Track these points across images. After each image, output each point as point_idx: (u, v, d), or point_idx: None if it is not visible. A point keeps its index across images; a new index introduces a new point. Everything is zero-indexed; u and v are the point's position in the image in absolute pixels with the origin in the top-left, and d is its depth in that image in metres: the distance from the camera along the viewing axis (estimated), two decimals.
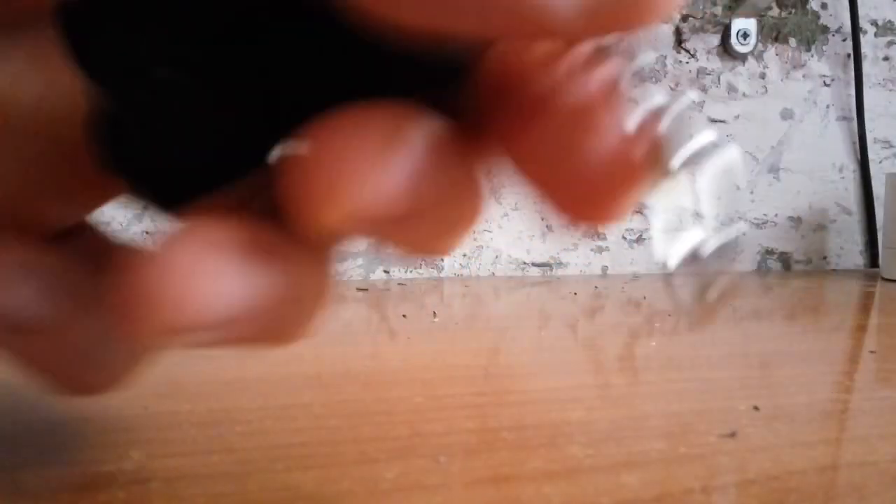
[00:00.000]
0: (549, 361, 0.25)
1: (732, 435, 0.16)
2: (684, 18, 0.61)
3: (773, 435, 0.17)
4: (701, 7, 0.61)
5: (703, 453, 0.16)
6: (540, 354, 0.27)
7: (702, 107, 0.62)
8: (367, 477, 0.14)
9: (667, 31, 0.61)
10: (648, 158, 0.11)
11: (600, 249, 0.57)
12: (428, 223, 0.11)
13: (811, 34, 0.64)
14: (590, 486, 0.13)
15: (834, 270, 0.64)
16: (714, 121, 0.62)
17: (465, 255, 0.55)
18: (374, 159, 0.10)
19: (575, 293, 0.44)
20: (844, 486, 0.14)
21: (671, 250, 0.10)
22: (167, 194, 0.12)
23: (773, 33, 0.63)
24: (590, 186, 0.11)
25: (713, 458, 0.15)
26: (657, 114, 0.11)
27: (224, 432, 0.16)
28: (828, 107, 0.65)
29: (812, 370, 0.25)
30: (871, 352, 0.28)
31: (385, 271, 0.53)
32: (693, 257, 0.10)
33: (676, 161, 0.10)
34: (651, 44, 0.60)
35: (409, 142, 0.10)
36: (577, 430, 0.17)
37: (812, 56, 0.64)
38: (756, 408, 0.19)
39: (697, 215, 0.10)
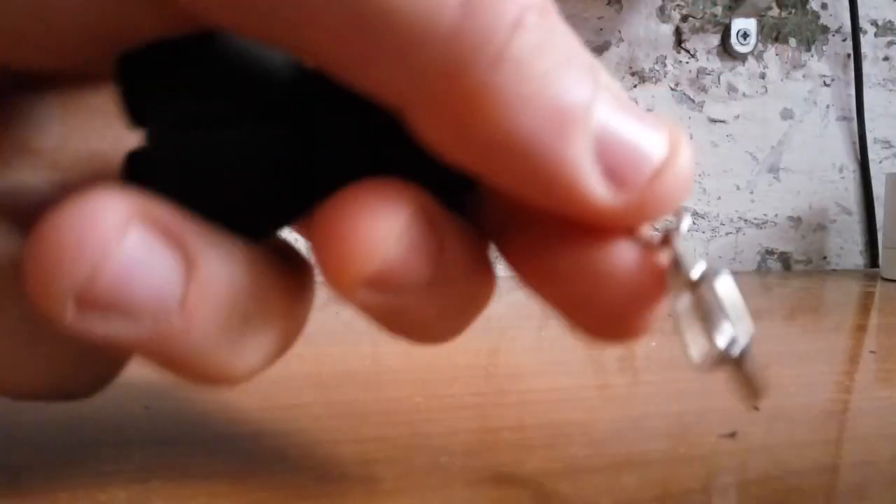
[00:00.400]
0: (549, 361, 0.25)
1: (732, 435, 0.16)
2: (684, 18, 0.61)
3: (773, 435, 0.17)
4: (701, 7, 0.61)
5: (703, 453, 0.16)
6: (540, 354, 0.27)
7: (702, 107, 0.62)
8: (367, 477, 0.14)
9: (667, 31, 0.61)
10: (665, 276, 0.11)
11: None
12: (436, 303, 0.12)
13: (811, 34, 0.64)
14: (590, 486, 0.13)
15: (834, 270, 0.64)
16: (714, 121, 0.62)
17: None
18: (388, 234, 0.11)
19: None
20: (844, 486, 0.14)
21: (702, 354, 0.11)
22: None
23: (773, 33, 0.63)
24: (607, 307, 0.12)
25: (713, 458, 0.15)
26: (668, 236, 0.12)
27: (224, 432, 0.16)
28: (828, 107, 0.65)
29: (812, 370, 0.25)
30: (872, 352, 0.28)
31: None
32: (724, 358, 0.11)
33: (695, 273, 0.11)
34: (651, 43, 0.60)
35: (425, 221, 0.11)
36: (577, 430, 0.17)
37: (812, 56, 0.64)
38: (756, 408, 0.19)
39: (720, 320, 0.11)
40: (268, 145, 0.12)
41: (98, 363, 0.13)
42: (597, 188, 0.10)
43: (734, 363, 0.10)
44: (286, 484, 0.13)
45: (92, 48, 0.11)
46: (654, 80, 0.61)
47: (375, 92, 0.11)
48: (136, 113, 0.12)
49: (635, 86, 0.60)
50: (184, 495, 0.13)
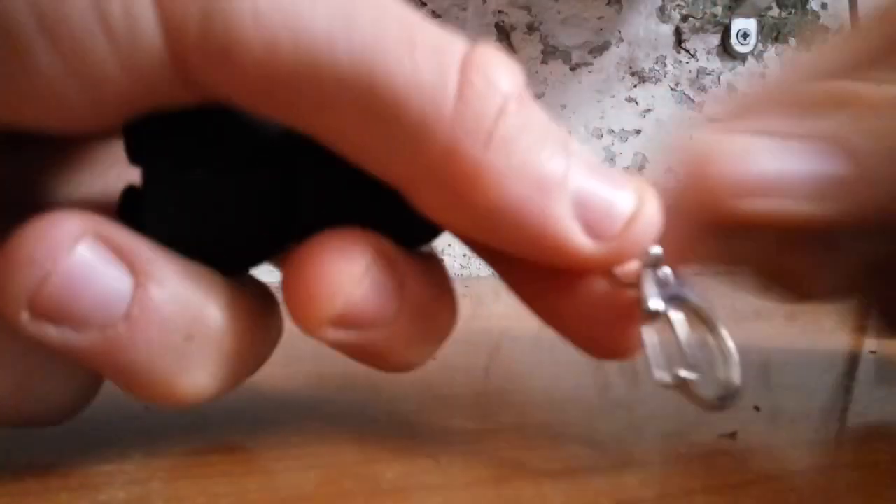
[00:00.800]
0: (549, 361, 0.25)
1: (732, 435, 0.16)
2: (684, 18, 0.61)
3: (773, 435, 0.17)
4: (701, 7, 0.61)
5: (703, 453, 0.16)
6: (540, 354, 0.27)
7: (702, 107, 0.62)
8: (367, 477, 0.14)
9: (667, 31, 0.61)
10: (635, 307, 0.14)
11: None
12: (401, 336, 0.13)
13: (811, 34, 0.64)
14: (590, 486, 0.13)
15: None
16: (714, 121, 0.62)
17: (465, 256, 0.55)
18: (349, 277, 0.12)
19: None
20: (844, 486, 0.14)
21: (658, 377, 0.13)
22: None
23: (773, 33, 0.63)
24: (591, 331, 0.14)
25: (713, 458, 0.15)
26: (637, 273, 0.14)
27: (224, 432, 0.16)
28: None
29: (812, 370, 0.25)
30: (872, 352, 0.28)
31: None
32: (673, 384, 0.13)
33: (652, 307, 0.13)
34: (651, 43, 0.60)
35: (385, 264, 0.13)
36: (577, 430, 0.17)
37: None
38: (756, 408, 0.19)
39: (674, 353, 0.13)
40: (252, 192, 0.13)
41: (64, 387, 0.13)
42: (579, 241, 0.13)
43: (680, 387, 0.13)
44: (286, 484, 0.13)
45: (115, 116, 0.12)
46: (654, 80, 0.61)
47: (379, 171, 0.12)
48: (136, 152, 0.13)
49: (635, 86, 0.60)
50: (184, 495, 0.13)
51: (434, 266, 0.14)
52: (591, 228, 0.13)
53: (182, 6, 0.11)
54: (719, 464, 0.15)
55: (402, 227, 0.13)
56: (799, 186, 0.14)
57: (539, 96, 0.57)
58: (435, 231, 0.14)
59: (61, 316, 0.11)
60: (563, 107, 0.58)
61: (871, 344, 0.29)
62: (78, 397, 0.14)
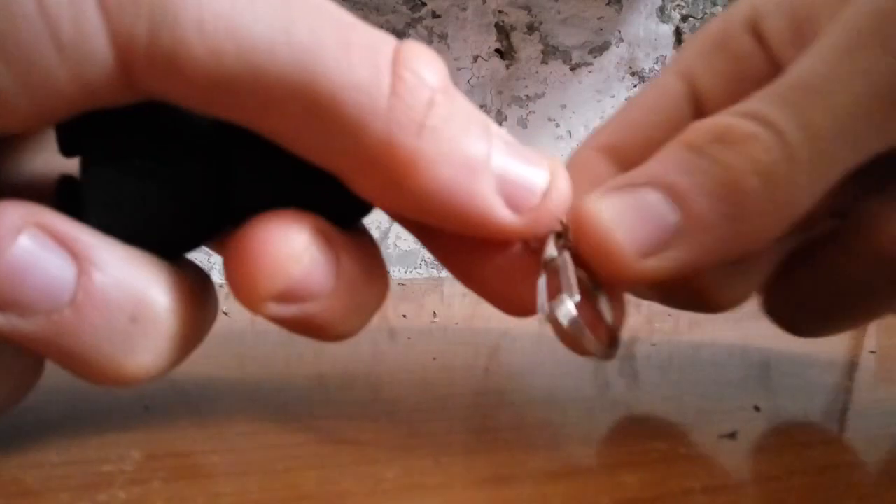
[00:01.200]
0: (549, 361, 0.25)
1: (732, 435, 0.16)
2: (684, 18, 0.61)
3: (773, 435, 0.17)
4: (701, 7, 0.61)
5: (703, 453, 0.16)
6: (540, 354, 0.27)
7: None
8: (367, 477, 0.14)
9: (667, 31, 0.61)
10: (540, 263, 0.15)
11: None
12: (338, 308, 0.14)
13: None
14: (590, 486, 0.13)
15: None
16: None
17: None
18: (290, 254, 0.13)
19: None
20: (844, 486, 0.14)
21: (541, 309, 0.15)
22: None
23: None
24: (507, 287, 0.16)
25: (713, 458, 0.15)
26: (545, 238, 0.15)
27: (224, 432, 0.16)
28: None
29: (812, 370, 0.25)
30: (871, 352, 0.28)
31: None
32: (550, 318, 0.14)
33: (548, 256, 0.15)
34: (651, 43, 0.60)
35: (322, 241, 0.14)
36: (577, 430, 0.17)
37: None
38: (756, 408, 0.19)
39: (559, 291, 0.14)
40: (187, 180, 0.14)
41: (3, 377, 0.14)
42: (502, 215, 0.14)
43: (556, 323, 0.14)
44: (286, 484, 0.13)
45: (57, 118, 0.13)
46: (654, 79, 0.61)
47: (320, 161, 0.13)
48: (71, 145, 0.13)
49: (635, 86, 0.60)
50: (184, 495, 0.13)
51: (365, 241, 0.15)
52: (512, 202, 0.14)
53: (130, 19, 0.11)
54: (719, 464, 0.15)
55: (335, 206, 0.14)
56: (656, 241, 0.15)
57: (539, 96, 0.57)
58: (366, 208, 0.15)
59: (7, 303, 0.12)
60: (563, 107, 0.58)
61: (870, 344, 0.29)
62: (16, 387, 0.14)
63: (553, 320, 0.14)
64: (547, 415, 0.18)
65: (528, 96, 0.56)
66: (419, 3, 0.52)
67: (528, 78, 0.56)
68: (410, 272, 0.54)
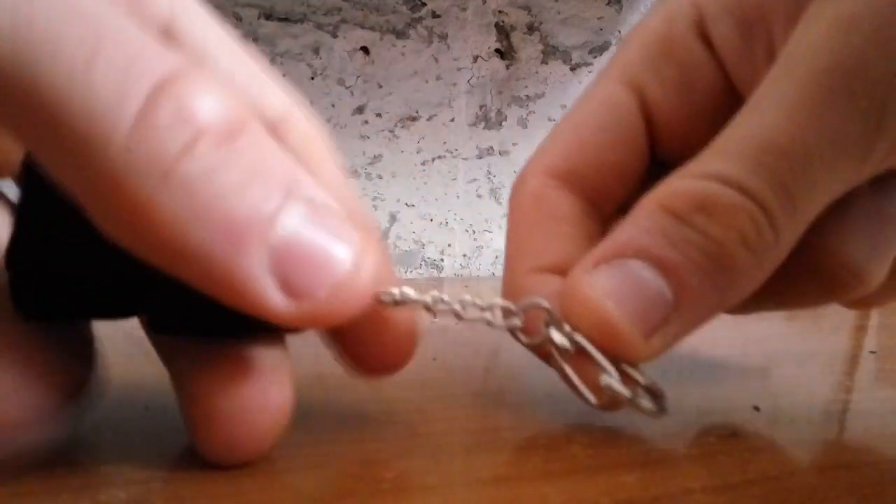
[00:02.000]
0: None
1: (732, 435, 0.16)
2: None
3: (773, 435, 0.17)
4: None
5: (703, 453, 0.16)
6: None
7: None
8: (367, 477, 0.14)
9: None
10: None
11: None
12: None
13: None
14: (590, 486, 0.13)
15: None
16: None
17: (465, 256, 0.55)
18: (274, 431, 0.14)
19: None
20: (844, 486, 0.14)
21: None
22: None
23: None
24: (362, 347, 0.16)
25: (713, 458, 0.15)
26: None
27: None
28: None
29: (812, 370, 0.25)
30: (872, 352, 0.28)
31: None
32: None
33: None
34: None
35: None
36: (577, 430, 0.17)
37: None
38: (756, 408, 0.19)
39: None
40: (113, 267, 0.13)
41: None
42: (271, 297, 0.12)
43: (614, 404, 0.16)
44: (286, 484, 0.13)
45: None
46: None
47: (54, 175, 0.11)
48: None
49: None
50: (184, 496, 0.13)
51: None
52: (289, 287, 0.12)
53: None
54: (719, 464, 0.15)
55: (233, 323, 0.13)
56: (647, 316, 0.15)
57: (539, 96, 0.57)
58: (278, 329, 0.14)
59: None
60: (563, 107, 0.58)
61: (870, 344, 0.29)
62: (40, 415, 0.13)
63: (612, 403, 0.15)
64: (547, 415, 0.18)
65: (528, 96, 0.56)
66: (419, 3, 0.52)
67: (528, 78, 0.56)
68: (410, 272, 0.54)
